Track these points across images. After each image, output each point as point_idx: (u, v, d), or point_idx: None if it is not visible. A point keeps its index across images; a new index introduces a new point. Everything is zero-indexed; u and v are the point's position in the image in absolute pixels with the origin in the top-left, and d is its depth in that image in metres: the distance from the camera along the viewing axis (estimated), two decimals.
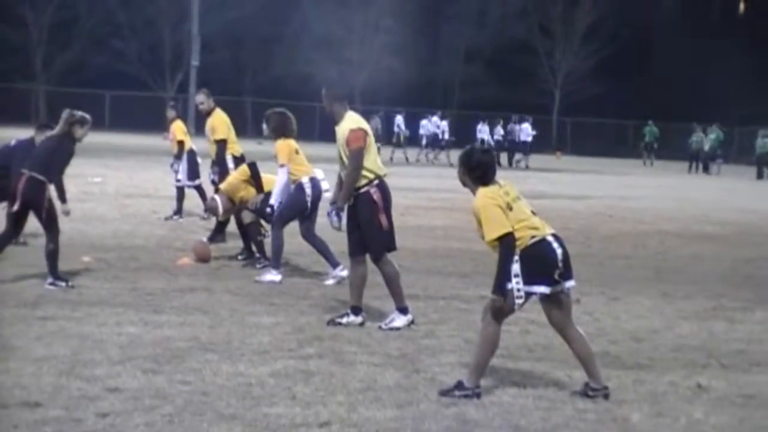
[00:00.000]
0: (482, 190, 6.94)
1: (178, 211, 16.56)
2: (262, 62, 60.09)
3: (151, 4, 59.25)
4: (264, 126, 12.04)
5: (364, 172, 9.08)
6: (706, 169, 44.10)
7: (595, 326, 9.37)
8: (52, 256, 10.30)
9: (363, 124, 9.29)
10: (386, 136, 41.30)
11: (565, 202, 23.64)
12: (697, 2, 58.24)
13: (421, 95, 55.59)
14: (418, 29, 58.27)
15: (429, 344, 8.46)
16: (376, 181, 9.13)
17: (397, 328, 8.95)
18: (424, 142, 42.55)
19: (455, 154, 36.24)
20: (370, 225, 9.05)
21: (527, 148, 42.11)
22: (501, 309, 6.86)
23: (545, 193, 25.99)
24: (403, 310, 9.14)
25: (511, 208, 6.87)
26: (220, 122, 14.33)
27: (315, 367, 7.53)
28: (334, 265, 11.33)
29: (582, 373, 7.19)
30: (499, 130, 42.66)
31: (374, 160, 9.22)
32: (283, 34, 58.45)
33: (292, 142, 11.65)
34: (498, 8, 59.56)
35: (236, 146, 14.45)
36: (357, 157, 9.05)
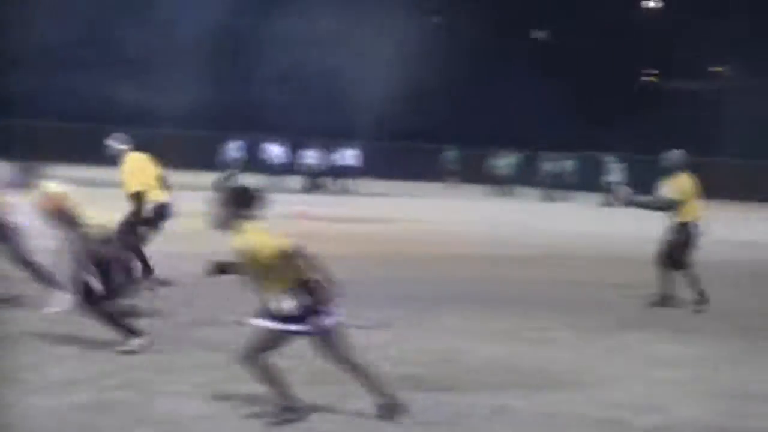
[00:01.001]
0: (252, 226, 6.84)
1: None
2: (65, 84, 58.31)
3: None
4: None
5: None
6: (506, 193, 45.33)
7: (399, 349, 9.44)
8: None
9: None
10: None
11: (373, 226, 23.83)
12: (488, 27, 59.72)
13: (228, 118, 55.22)
14: (226, 52, 57.88)
15: (235, 373, 8.33)
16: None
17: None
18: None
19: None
20: None
21: (353, 173, 42.66)
22: (260, 347, 6.82)
23: (352, 216, 26.16)
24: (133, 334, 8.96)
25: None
26: None
27: (118, 398, 7.33)
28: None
29: (397, 393, 7.21)
30: (325, 155, 42.87)
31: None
32: (88, 54, 56.98)
33: None
34: (310, 32, 59.58)
35: None
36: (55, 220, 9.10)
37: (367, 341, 9.72)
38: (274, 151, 43.54)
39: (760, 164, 53.66)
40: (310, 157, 42.58)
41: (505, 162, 46.94)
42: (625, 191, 14.24)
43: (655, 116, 51.97)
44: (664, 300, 12.92)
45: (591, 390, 8.29)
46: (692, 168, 13.15)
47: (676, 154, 13.17)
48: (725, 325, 11.83)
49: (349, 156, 43.42)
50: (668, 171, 13.11)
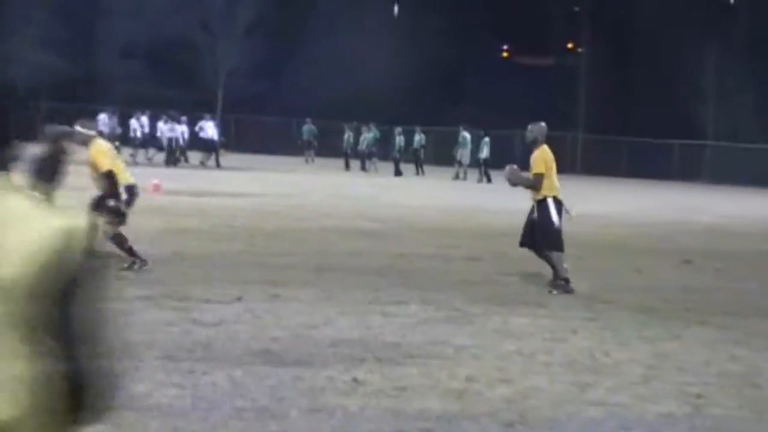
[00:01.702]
0: None
1: None
2: None
3: None
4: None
5: None
6: (363, 167, 45.45)
7: (256, 324, 9.43)
8: None
9: None
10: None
11: (229, 200, 23.69)
12: (354, 3, 59.82)
13: (79, 91, 54.05)
14: (74, 22, 56.32)
15: None
16: None
17: None
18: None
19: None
20: None
21: (213, 146, 42.21)
22: None
23: (209, 190, 25.95)
24: None
25: None
26: None
27: None
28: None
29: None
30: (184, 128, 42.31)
31: None
32: None
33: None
34: (157, 3, 58.46)
35: None
36: None
37: (220, 316, 9.69)
38: (133, 123, 43.05)
39: (611, 140, 54.99)
40: (170, 130, 41.99)
41: (363, 136, 47.01)
42: (510, 171, 13.49)
43: (509, 91, 52.83)
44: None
45: (444, 362, 8.41)
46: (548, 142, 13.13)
47: (538, 126, 13.05)
48: (572, 298, 12.13)
49: (208, 129, 42.90)
50: (531, 144, 12.98)
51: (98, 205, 12.66)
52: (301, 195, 26.97)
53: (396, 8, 68.27)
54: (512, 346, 9.16)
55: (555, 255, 12.59)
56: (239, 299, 10.60)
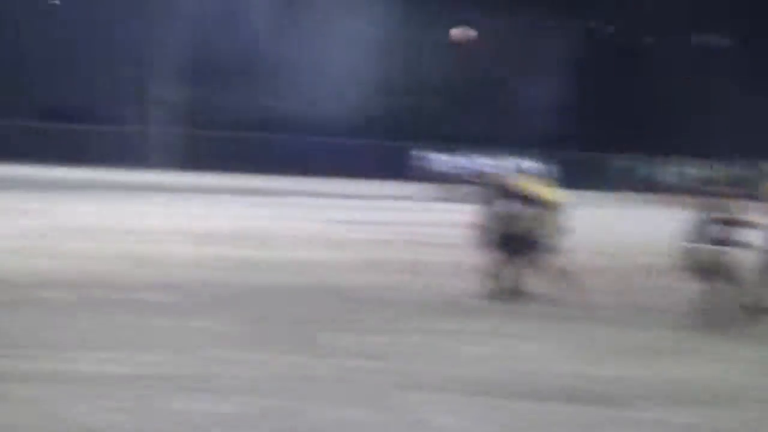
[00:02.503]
0: None
1: None
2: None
3: None
4: None
5: None
6: None
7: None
8: None
9: None
10: None
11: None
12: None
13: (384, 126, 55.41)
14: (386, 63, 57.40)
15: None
16: None
17: None
18: None
19: None
20: None
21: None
22: None
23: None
24: None
25: None
26: None
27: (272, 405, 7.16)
28: None
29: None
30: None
31: None
32: (246, 66, 56.90)
33: None
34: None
35: None
36: None
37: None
38: (443, 159, 43.87)
39: None
40: (486, 165, 42.26)
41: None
42: None
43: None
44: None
45: None
46: None
47: None
48: None
49: (526, 166, 42.79)
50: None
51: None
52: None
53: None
54: None
55: None
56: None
